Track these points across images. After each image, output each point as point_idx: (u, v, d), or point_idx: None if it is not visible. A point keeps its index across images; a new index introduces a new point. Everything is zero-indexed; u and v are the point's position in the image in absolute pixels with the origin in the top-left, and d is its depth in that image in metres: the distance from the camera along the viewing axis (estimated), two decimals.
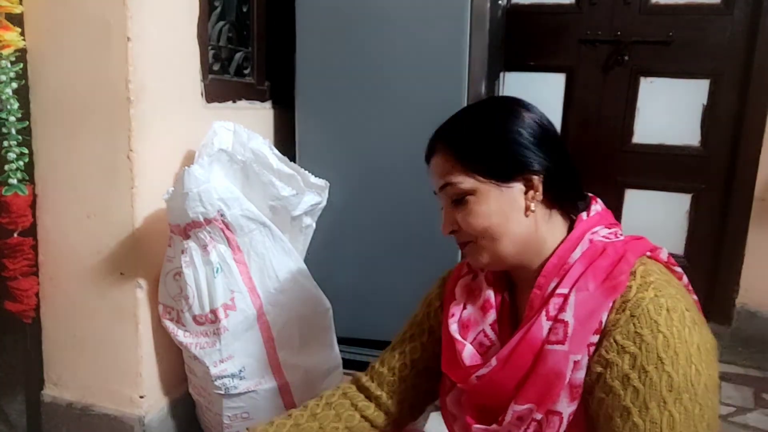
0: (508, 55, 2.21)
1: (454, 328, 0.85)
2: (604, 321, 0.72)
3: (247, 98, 1.76)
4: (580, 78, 2.32)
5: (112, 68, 1.25)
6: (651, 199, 2.31)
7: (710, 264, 2.27)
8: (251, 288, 1.33)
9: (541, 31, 2.33)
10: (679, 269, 0.81)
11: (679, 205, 2.29)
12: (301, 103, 1.78)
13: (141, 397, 1.37)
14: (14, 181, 1.27)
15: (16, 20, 1.25)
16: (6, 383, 1.52)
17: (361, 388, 0.96)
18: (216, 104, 1.58)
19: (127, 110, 1.26)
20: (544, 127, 0.79)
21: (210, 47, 1.58)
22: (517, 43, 2.27)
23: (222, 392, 1.30)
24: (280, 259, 1.37)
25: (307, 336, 1.42)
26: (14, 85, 1.25)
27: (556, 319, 0.74)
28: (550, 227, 0.79)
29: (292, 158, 1.69)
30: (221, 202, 1.27)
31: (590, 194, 0.84)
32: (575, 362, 0.72)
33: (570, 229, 0.80)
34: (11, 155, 1.26)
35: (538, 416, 0.74)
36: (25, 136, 1.29)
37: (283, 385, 1.36)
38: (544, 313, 0.74)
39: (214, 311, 1.29)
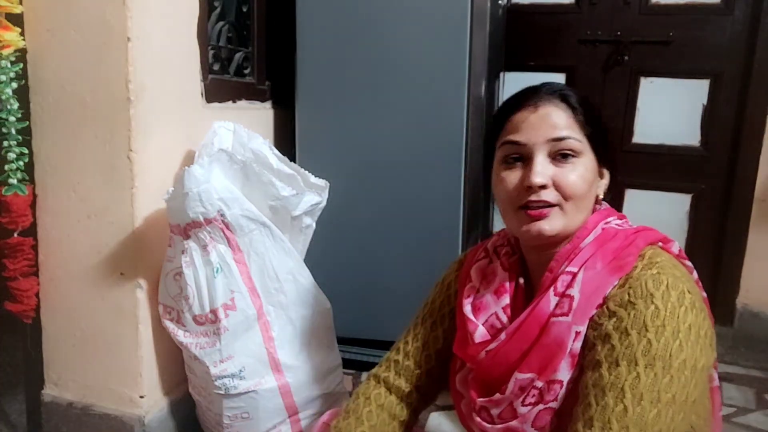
0: (508, 55, 2.21)
1: (468, 309, 0.87)
2: (606, 295, 0.74)
3: (247, 98, 1.76)
4: (580, 78, 2.32)
5: (112, 68, 1.25)
6: (651, 199, 2.31)
7: (711, 264, 2.27)
8: (251, 288, 1.33)
9: (541, 31, 2.33)
10: (689, 263, 0.82)
11: (679, 205, 2.29)
12: (301, 103, 1.78)
13: (141, 397, 1.37)
14: (14, 181, 1.27)
15: (16, 20, 1.25)
16: (6, 383, 1.52)
17: (380, 380, 0.99)
18: (216, 104, 1.58)
19: (127, 110, 1.26)
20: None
21: (210, 47, 1.58)
22: (517, 43, 2.27)
23: (222, 392, 1.30)
24: (280, 259, 1.37)
25: (307, 336, 1.42)
26: (14, 85, 1.25)
27: (563, 295, 0.76)
28: (589, 214, 0.82)
29: (292, 158, 1.69)
30: (221, 202, 1.27)
31: None
32: (577, 333, 0.74)
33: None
34: (11, 155, 1.26)
35: (539, 384, 0.76)
36: (25, 136, 1.29)
37: (283, 385, 1.36)
38: (552, 289, 0.77)
39: (214, 311, 1.29)
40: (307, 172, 1.41)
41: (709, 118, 2.21)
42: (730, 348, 2.13)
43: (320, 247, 1.57)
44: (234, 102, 1.68)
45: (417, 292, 1.74)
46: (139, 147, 1.29)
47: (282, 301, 1.37)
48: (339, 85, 1.73)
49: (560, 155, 0.77)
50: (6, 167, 1.26)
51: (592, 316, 0.74)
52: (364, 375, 1.86)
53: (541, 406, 0.76)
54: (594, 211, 0.83)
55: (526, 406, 0.77)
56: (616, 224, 0.82)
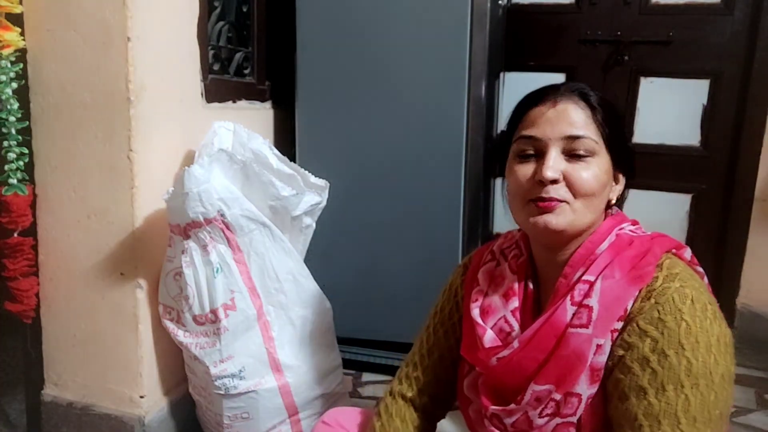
0: (508, 55, 2.21)
1: (476, 312, 0.85)
2: (629, 308, 0.73)
3: (247, 98, 1.76)
4: (580, 78, 2.32)
5: (112, 68, 1.25)
6: (651, 199, 2.31)
7: (711, 264, 2.27)
8: (251, 288, 1.33)
9: (541, 31, 2.33)
10: (700, 269, 0.81)
11: (679, 205, 2.29)
12: (301, 103, 1.78)
13: (141, 397, 1.37)
14: (14, 181, 1.27)
15: (16, 20, 1.25)
16: (6, 383, 1.52)
17: (400, 396, 0.96)
18: (216, 104, 1.58)
19: (127, 110, 1.26)
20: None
21: (210, 47, 1.58)
22: (517, 43, 2.27)
23: (222, 392, 1.30)
24: (280, 259, 1.37)
25: (307, 336, 1.42)
26: (14, 85, 1.25)
27: (580, 305, 0.75)
28: (600, 218, 0.81)
29: (292, 158, 1.69)
30: (221, 202, 1.27)
31: None
32: (598, 346, 0.73)
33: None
34: (11, 155, 1.26)
35: (557, 396, 0.74)
36: (25, 136, 1.30)
37: (283, 385, 1.36)
38: (568, 298, 0.75)
39: (214, 311, 1.29)
40: (307, 172, 1.41)
41: (709, 118, 2.21)
42: None
43: (320, 247, 1.57)
44: (234, 102, 1.68)
45: (417, 291, 1.75)
46: (139, 147, 1.29)
47: (282, 301, 1.37)
48: (339, 85, 1.73)
49: (575, 154, 0.76)
50: (6, 167, 1.26)
51: (617, 330, 0.73)
52: (365, 375, 1.87)
53: (558, 419, 0.75)
54: (606, 216, 0.82)
55: (543, 417, 0.76)
56: (630, 230, 0.81)
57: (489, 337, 0.82)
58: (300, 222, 1.41)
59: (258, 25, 1.82)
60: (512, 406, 0.79)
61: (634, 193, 2.28)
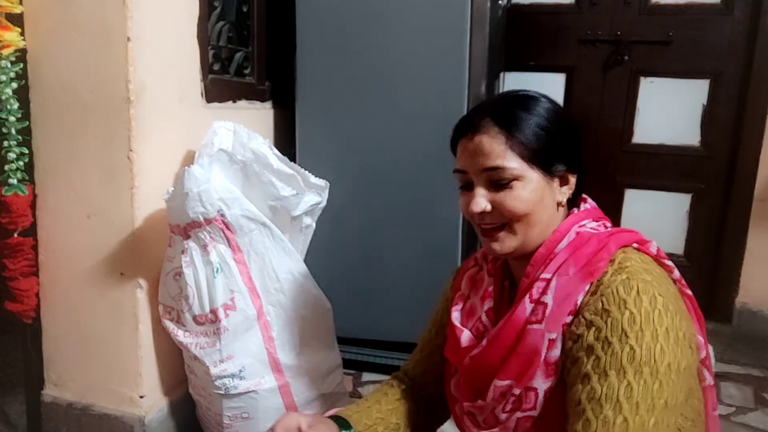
0: (508, 55, 2.21)
1: (455, 315, 0.90)
2: (579, 303, 0.74)
3: (247, 98, 1.75)
4: (580, 78, 2.32)
5: (112, 68, 1.25)
6: (651, 199, 2.31)
7: (710, 264, 2.28)
8: (251, 288, 1.33)
9: (541, 31, 2.33)
10: (669, 263, 0.81)
11: (679, 205, 2.29)
12: (301, 103, 1.78)
13: (141, 397, 1.37)
14: (14, 181, 1.27)
15: (16, 20, 1.25)
16: (6, 383, 1.52)
17: (394, 384, 1.01)
18: (216, 104, 1.57)
19: (127, 110, 1.26)
20: (576, 127, 0.83)
21: (210, 47, 1.58)
22: (517, 43, 2.27)
23: (222, 392, 1.30)
24: (280, 259, 1.37)
25: (307, 336, 1.42)
26: (14, 85, 1.25)
27: (537, 302, 0.77)
28: (554, 219, 0.82)
29: (292, 158, 1.69)
30: (221, 202, 1.27)
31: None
32: (550, 340, 0.74)
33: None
34: (11, 155, 1.26)
35: (517, 392, 0.77)
36: (25, 136, 1.30)
37: (283, 385, 1.36)
38: (527, 296, 0.78)
39: (214, 311, 1.29)
40: (307, 172, 1.41)
41: (709, 118, 2.21)
42: (729, 347, 2.13)
43: (320, 247, 1.57)
44: (234, 102, 1.67)
45: (417, 291, 1.75)
46: (139, 147, 1.29)
47: (282, 301, 1.37)
48: (339, 85, 1.73)
49: (498, 183, 0.78)
50: (6, 167, 1.26)
51: (567, 324, 0.74)
52: (365, 375, 1.87)
53: (519, 414, 0.77)
54: (570, 214, 0.83)
55: (506, 413, 0.78)
56: (591, 227, 0.81)
57: (465, 337, 0.86)
58: (300, 222, 1.41)
59: (258, 25, 1.82)
60: (480, 402, 0.82)
61: (634, 193, 2.33)
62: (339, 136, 1.75)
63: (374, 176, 1.74)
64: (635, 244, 0.80)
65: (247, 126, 1.48)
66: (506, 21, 2.11)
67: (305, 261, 1.46)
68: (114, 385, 1.39)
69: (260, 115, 1.82)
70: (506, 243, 0.80)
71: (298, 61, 1.75)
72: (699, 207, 2.27)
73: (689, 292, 0.81)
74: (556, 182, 0.80)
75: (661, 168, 2.28)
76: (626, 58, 2.24)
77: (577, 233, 0.80)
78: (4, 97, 1.24)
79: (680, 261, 2.23)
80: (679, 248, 2.29)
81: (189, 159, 1.43)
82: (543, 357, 0.74)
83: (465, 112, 1.63)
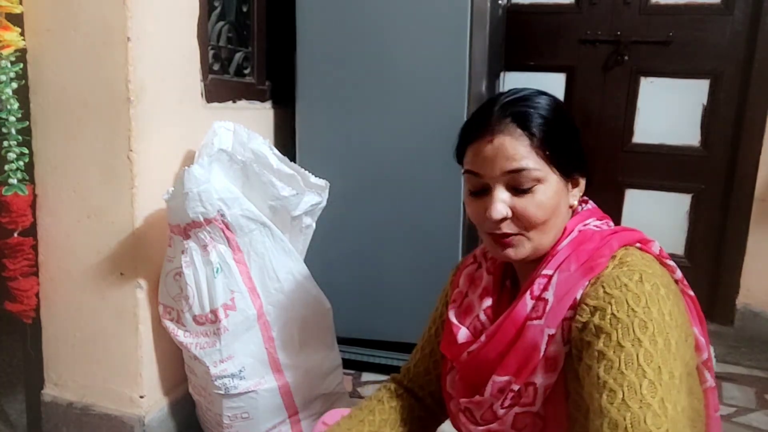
0: (508, 55, 2.21)
1: (452, 313, 0.89)
2: (578, 297, 0.73)
3: (247, 98, 1.76)
4: (581, 78, 2.32)
5: (112, 68, 1.25)
6: (651, 199, 2.31)
7: (711, 264, 2.27)
8: (251, 288, 1.33)
9: (541, 31, 2.33)
10: (671, 263, 0.81)
11: (679, 205, 2.29)
12: (301, 103, 1.78)
13: (141, 397, 1.37)
14: (14, 181, 1.27)
15: (16, 20, 1.25)
16: (6, 383, 1.52)
17: (392, 386, 1.00)
18: (216, 104, 1.58)
19: (127, 110, 1.26)
20: (577, 127, 0.82)
21: (210, 47, 1.58)
22: (517, 43, 2.27)
23: (222, 392, 1.30)
24: (280, 259, 1.37)
25: (307, 336, 1.42)
26: (14, 85, 1.25)
27: (538, 298, 0.76)
28: (565, 223, 0.82)
29: (292, 158, 1.69)
30: (221, 202, 1.27)
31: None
32: (549, 336, 0.74)
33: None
34: (11, 155, 1.26)
35: (516, 387, 0.76)
36: (25, 136, 1.30)
37: (283, 385, 1.36)
38: (529, 292, 0.77)
39: (214, 311, 1.29)
40: (307, 172, 1.41)
41: (709, 118, 2.21)
42: (730, 348, 2.13)
43: (320, 247, 1.57)
44: (234, 102, 1.68)
45: (417, 291, 1.75)
46: (139, 147, 1.29)
47: (282, 301, 1.37)
48: (339, 85, 1.73)
49: (520, 188, 0.76)
50: (6, 167, 1.26)
51: (567, 318, 0.73)
52: (365, 375, 1.87)
53: (518, 409, 0.77)
54: (574, 213, 0.83)
55: (504, 408, 0.78)
56: (595, 226, 0.81)
57: (462, 334, 0.86)
58: (300, 222, 1.41)
59: (258, 25, 1.82)
60: (477, 397, 0.81)
61: (634, 193, 2.33)
62: (339, 136, 1.75)
63: (374, 176, 1.74)
64: (638, 244, 0.79)
65: (247, 126, 1.48)
66: (506, 21, 2.11)
67: (305, 261, 1.46)
68: (114, 385, 1.39)
69: (260, 115, 1.82)
70: (520, 249, 0.78)
71: (298, 61, 1.75)
72: (699, 207, 2.26)
73: (691, 293, 0.81)
74: (570, 185, 0.80)
75: (662, 168, 2.28)
76: (626, 58, 2.24)
77: (580, 231, 0.79)
78: (4, 97, 1.24)
79: (681, 261, 2.23)
80: (679, 248, 2.29)
81: (189, 159, 1.43)
82: (542, 352, 0.74)
83: (465, 112, 1.65)
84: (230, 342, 1.30)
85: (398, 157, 1.71)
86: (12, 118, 1.25)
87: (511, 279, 0.88)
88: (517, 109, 0.76)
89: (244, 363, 1.31)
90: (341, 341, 1.57)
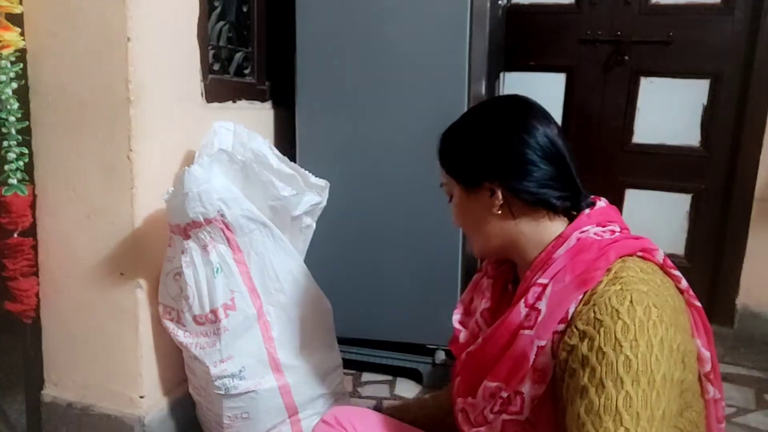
0: (508, 55, 2.21)
1: (455, 317, 0.95)
2: (571, 311, 0.73)
3: (247, 98, 1.76)
4: (581, 78, 2.32)
5: (112, 68, 1.25)
6: (651, 199, 2.31)
7: (711, 264, 2.27)
8: (251, 288, 1.33)
9: (541, 31, 2.33)
10: (676, 272, 0.80)
11: (679, 205, 2.29)
12: (301, 103, 1.78)
13: (141, 397, 1.37)
14: (14, 181, 1.27)
15: (16, 20, 1.25)
16: (6, 383, 1.52)
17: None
18: (216, 104, 1.57)
19: (127, 110, 1.26)
20: (514, 139, 0.81)
21: (210, 47, 1.58)
22: (517, 43, 2.27)
23: (222, 392, 1.30)
24: (280, 259, 1.37)
25: (307, 336, 1.42)
26: (14, 85, 1.25)
27: (532, 307, 0.76)
28: (541, 227, 0.81)
29: (292, 158, 1.69)
30: (221, 202, 1.27)
31: (593, 195, 0.85)
32: (539, 347, 0.74)
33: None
34: (11, 155, 1.26)
35: (505, 394, 0.77)
36: (25, 136, 1.29)
37: (283, 385, 1.36)
38: (523, 300, 0.77)
39: (214, 311, 1.29)
40: (307, 172, 1.41)
41: (709, 118, 2.21)
42: (730, 348, 2.13)
43: (320, 247, 1.57)
44: (234, 102, 1.67)
45: (417, 292, 1.75)
46: (139, 147, 1.29)
47: (282, 301, 1.37)
48: (339, 85, 1.73)
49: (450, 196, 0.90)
50: (6, 167, 1.26)
51: (558, 332, 0.73)
52: (365, 375, 1.87)
53: (505, 416, 0.77)
54: (572, 220, 0.82)
55: (493, 413, 0.79)
56: (594, 233, 0.79)
57: (463, 336, 0.90)
58: (300, 222, 1.41)
59: (258, 25, 1.82)
60: (470, 399, 0.83)
61: (634, 193, 2.33)
62: (339, 136, 1.75)
63: (374, 176, 1.74)
64: (640, 253, 0.78)
65: (247, 126, 1.48)
66: (506, 21, 2.11)
67: (305, 261, 1.46)
68: (114, 385, 1.39)
69: (260, 115, 1.82)
70: (473, 247, 0.90)
71: (298, 61, 1.75)
72: (699, 207, 2.26)
73: (698, 303, 0.80)
74: (485, 194, 0.83)
75: (662, 168, 2.28)
76: (626, 58, 2.24)
77: (578, 239, 0.78)
78: (4, 97, 1.23)
79: (680, 262, 2.23)
80: (679, 249, 2.28)
81: (189, 159, 1.43)
82: (531, 362, 0.74)
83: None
84: (230, 342, 1.30)
85: (398, 156, 1.71)
86: (12, 118, 1.25)
87: (513, 282, 0.89)
88: (444, 130, 0.91)
89: (244, 363, 1.31)
90: (341, 341, 1.57)
